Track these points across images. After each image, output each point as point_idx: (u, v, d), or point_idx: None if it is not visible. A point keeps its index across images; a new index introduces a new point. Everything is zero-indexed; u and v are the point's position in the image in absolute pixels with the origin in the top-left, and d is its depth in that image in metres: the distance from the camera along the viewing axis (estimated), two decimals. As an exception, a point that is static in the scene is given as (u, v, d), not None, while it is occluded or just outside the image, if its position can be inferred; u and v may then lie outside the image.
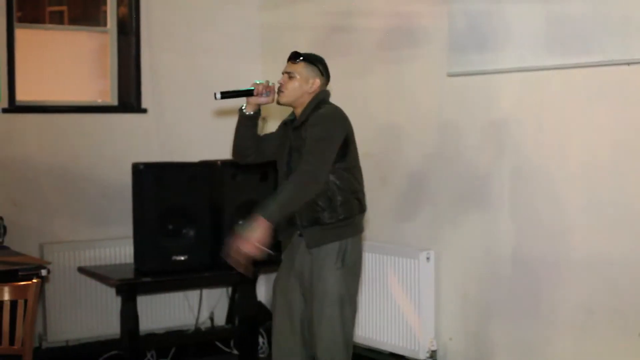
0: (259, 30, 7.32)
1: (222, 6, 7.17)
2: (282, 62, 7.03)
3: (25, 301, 4.26)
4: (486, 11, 5.42)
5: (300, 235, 4.46)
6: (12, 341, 4.28)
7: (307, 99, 4.46)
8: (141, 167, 6.02)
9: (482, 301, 5.55)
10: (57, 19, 7.29)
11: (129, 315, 5.95)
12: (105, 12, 6.97)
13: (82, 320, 6.45)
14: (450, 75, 5.63)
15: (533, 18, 5.13)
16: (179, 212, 6.06)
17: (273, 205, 4.20)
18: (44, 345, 6.35)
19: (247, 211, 6.14)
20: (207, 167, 6.23)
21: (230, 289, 6.94)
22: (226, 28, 7.18)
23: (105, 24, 6.95)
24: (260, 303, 6.96)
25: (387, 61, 6.13)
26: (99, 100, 6.95)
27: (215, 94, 4.47)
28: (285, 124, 4.55)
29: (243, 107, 4.55)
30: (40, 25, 7.01)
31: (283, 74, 4.50)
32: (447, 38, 5.64)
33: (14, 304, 4.25)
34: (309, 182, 4.26)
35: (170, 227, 6.05)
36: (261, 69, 7.27)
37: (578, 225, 4.96)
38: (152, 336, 6.58)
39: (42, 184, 6.46)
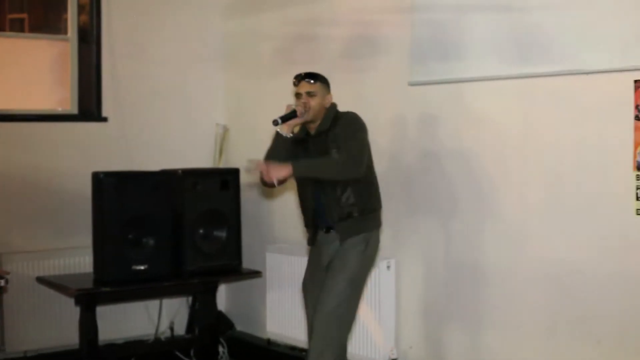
0: (222, 39, 7.31)
1: (185, 14, 7.16)
2: (245, 70, 7.09)
3: (-18, 310, 4.21)
4: (448, 21, 5.44)
5: (327, 231, 4.93)
6: (-32, 351, 4.24)
7: (323, 113, 4.95)
8: (101, 176, 5.97)
9: (442, 309, 5.55)
10: (18, 27, 7.24)
11: (88, 325, 5.90)
12: (66, 20, 6.93)
13: (40, 331, 6.39)
14: (412, 84, 5.65)
15: (494, 28, 5.16)
16: (140, 222, 6.01)
17: (306, 163, 4.79)
18: (2, 355, 6.28)
19: (207, 220, 6.16)
20: (167, 176, 6.19)
21: (190, 299, 6.92)
22: (189, 36, 7.17)
23: (66, 32, 6.91)
24: (220, 312, 6.95)
25: (350, 70, 6.14)
26: (59, 109, 6.90)
27: (275, 120, 4.81)
28: (297, 141, 4.97)
29: (281, 131, 4.91)
30: (1, 32, 6.94)
31: (300, 94, 4.92)
32: (409, 47, 5.66)
33: (-30, 313, 4.20)
34: (349, 165, 4.76)
35: (131, 236, 6.00)
36: (223, 77, 7.27)
37: (538, 234, 4.98)
38: (111, 346, 6.51)
39: (1, 194, 6.40)
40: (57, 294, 6.33)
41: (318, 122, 4.94)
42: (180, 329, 6.95)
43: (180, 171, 6.21)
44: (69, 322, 6.37)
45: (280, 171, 4.69)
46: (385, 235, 5.76)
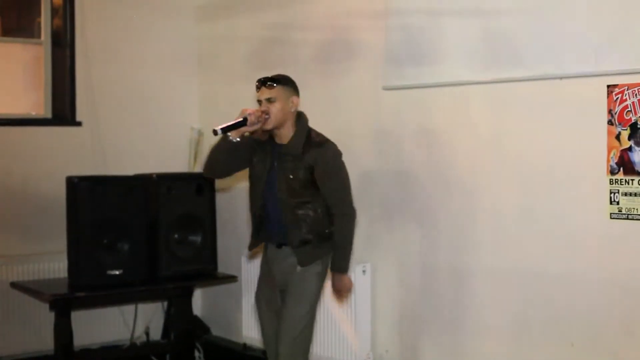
0: (196, 42, 7.31)
1: (158, 18, 7.14)
2: (220, 74, 7.08)
3: (-45, 317, 4.19)
4: (422, 26, 5.45)
5: (278, 247, 4.86)
6: (-59, 358, 4.21)
7: (289, 119, 4.78)
8: (75, 180, 5.95)
9: (417, 313, 5.57)
10: (-9, 30, 7.21)
11: (63, 331, 5.88)
12: (39, 23, 6.90)
13: (15, 336, 6.36)
14: (386, 88, 5.66)
15: (468, 32, 5.18)
16: (114, 226, 6.00)
17: (346, 261, 4.86)
18: (-24, 361, 6.26)
19: (182, 224, 6.15)
20: (142, 181, 6.18)
21: (165, 304, 6.90)
22: (162, 40, 7.16)
23: (39, 36, 6.88)
24: (196, 317, 6.94)
25: (323, 74, 6.14)
26: (33, 113, 6.87)
27: (215, 130, 4.60)
28: (263, 143, 4.83)
29: (229, 136, 4.69)
30: (-27, 36, 6.93)
31: (260, 100, 4.73)
32: (383, 52, 5.67)
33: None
34: (352, 223, 4.86)
35: (105, 241, 5.98)
36: (197, 80, 7.26)
37: (512, 237, 5.01)
38: (86, 352, 6.50)
39: (-26, 198, 6.38)
40: (32, 299, 6.29)
41: (284, 130, 4.76)
42: (156, 334, 6.94)
43: (155, 175, 6.21)
44: (43, 327, 6.34)
45: (347, 284, 4.94)
46: (360, 240, 5.78)
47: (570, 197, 4.74)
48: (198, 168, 7.12)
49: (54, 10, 6.81)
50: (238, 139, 4.69)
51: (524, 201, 4.95)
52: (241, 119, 4.64)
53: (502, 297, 5.07)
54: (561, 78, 4.72)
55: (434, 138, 5.41)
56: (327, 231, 4.79)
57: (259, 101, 4.75)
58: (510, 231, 5.02)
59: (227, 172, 5.03)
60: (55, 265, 6.49)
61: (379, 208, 5.77)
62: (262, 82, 4.75)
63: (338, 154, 4.82)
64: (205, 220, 6.32)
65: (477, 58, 5.14)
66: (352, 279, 5.64)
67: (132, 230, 6.07)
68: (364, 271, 5.73)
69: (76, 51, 6.79)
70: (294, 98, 4.80)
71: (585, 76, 4.61)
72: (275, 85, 4.72)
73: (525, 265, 4.94)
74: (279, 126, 4.74)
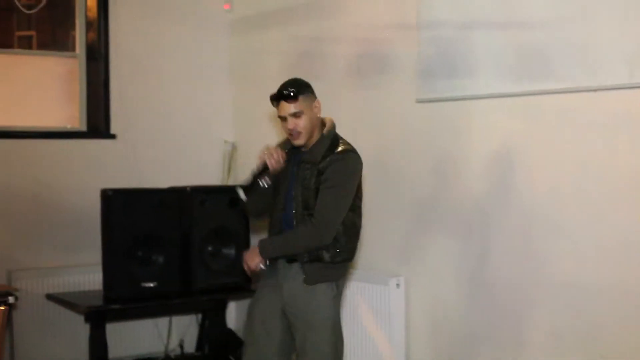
0: (229, 56, 7.33)
1: (192, 32, 7.18)
2: (253, 87, 7.10)
3: (-7, 329, 4.22)
4: (454, 38, 5.45)
5: (290, 261, 4.43)
6: (-21, 370, 4.24)
7: (316, 124, 4.40)
8: (110, 193, 5.99)
9: (452, 327, 5.54)
10: (26, 44, 7.28)
11: (98, 343, 5.92)
12: (74, 37, 6.96)
13: (50, 348, 6.40)
14: (419, 101, 5.66)
15: (500, 44, 5.17)
16: (148, 239, 6.02)
17: (273, 244, 4.41)
18: (12, 373, 6.30)
19: (216, 237, 6.16)
20: (176, 193, 6.21)
21: (200, 316, 6.91)
22: (196, 53, 7.19)
23: (74, 49, 6.94)
24: (230, 330, 6.94)
25: (357, 87, 6.15)
26: (68, 126, 6.92)
27: (239, 194, 4.41)
28: (287, 153, 4.46)
29: (260, 183, 4.39)
30: (9, 50, 7.00)
31: (285, 117, 4.35)
32: (416, 64, 5.66)
33: (-20, 332, 4.20)
34: (314, 240, 4.33)
35: (140, 253, 6.01)
36: (231, 94, 7.28)
37: (546, 251, 4.97)
38: (121, 363, 6.53)
39: (10, 210, 6.43)
40: (67, 311, 6.35)
41: (313, 140, 4.41)
42: (190, 347, 6.95)
43: (188, 188, 6.23)
44: (78, 339, 6.39)
45: (254, 258, 4.43)
46: (394, 253, 5.79)
47: (602, 210, 4.70)
48: (231, 181, 7.14)
49: (89, 24, 6.87)
50: (269, 183, 4.39)
51: (557, 216, 4.91)
52: (262, 167, 4.39)
53: (536, 312, 5.03)
54: (595, 90, 4.68)
55: (468, 150, 5.40)
56: (343, 255, 4.40)
57: (282, 117, 4.36)
58: (544, 246, 4.98)
59: (264, 211, 4.65)
60: (90, 278, 6.53)
61: (412, 221, 5.76)
62: (281, 96, 4.34)
63: (355, 169, 4.43)
64: (238, 233, 6.32)
65: (509, 70, 5.12)
66: (387, 292, 5.67)
67: (166, 243, 6.09)
68: (397, 285, 5.71)
69: (110, 64, 6.84)
70: (316, 102, 4.41)
71: (619, 88, 4.56)
72: (297, 98, 4.32)
73: (559, 280, 4.90)
74: (310, 137, 4.40)
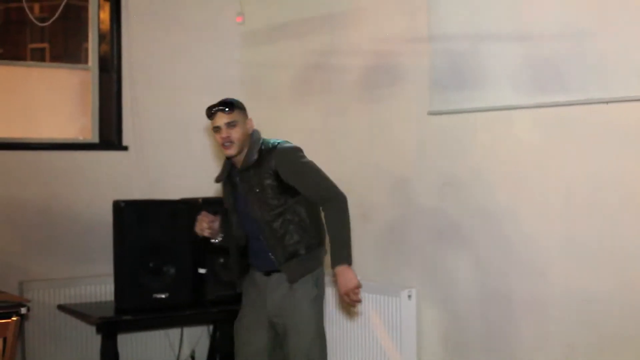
0: (240, 68, 7.35)
1: (203, 44, 7.20)
2: (264, 99, 7.11)
3: (5, 339, 4.22)
4: (466, 50, 5.46)
5: (267, 274, 4.57)
6: (-9, 380, 4.25)
7: (247, 140, 4.52)
8: (122, 204, 6.01)
9: (463, 339, 5.54)
10: (39, 56, 7.31)
11: (110, 354, 5.91)
12: (86, 49, 6.99)
13: (61, 359, 6.41)
14: (431, 113, 5.66)
15: (512, 56, 5.18)
16: (160, 250, 6.04)
17: (347, 250, 4.43)
18: (23, 384, 6.31)
19: (227, 249, 6.15)
20: (188, 205, 6.21)
21: (211, 327, 6.91)
22: (207, 65, 7.21)
23: (86, 62, 6.96)
24: (241, 341, 6.94)
25: (368, 99, 6.16)
26: (80, 138, 6.94)
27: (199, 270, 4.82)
28: (225, 182, 4.68)
29: (214, 241, 4.71)
30: (22, 62, 7.02)
31: (220, 127, 4.46)
32: (427, 76, 5.67)
33: (-7, 342, 4.21)
34: (345, 206, 4.47)
35: (151, 264, 6.03)
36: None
37: (557, 263, 4.97)
38: (132, 374, 6.54)
39: (22, 222, 6.44)
40: (78, 322, 6.35)
41: (243, 155, 4.51)
42: (202, 358, 6.94)
43: (200, 200, 6.23)
44: (90, 351, 6.41)
45: (352, 276, 4.40)
46: (406, 265, 5.79)
47: (616, 221, 4.70)
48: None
49: (101, 36, 6.90)
50: (220, 238, 4.71)
51: (568, 228, 4.91)
52: (203, 238, 4.71)
53: (548, 324, 5.03)
54: (607, 102, 4.68)
55: (480, 162, 5.40)
56: (314, 241, 4.52)
57: (216, 128, 4.47)
58: (555, 258, 4.98)
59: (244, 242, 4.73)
60: (101, 289, 6.55)
61: (424, 233, 5.76)
62: (218, 108, 4.46)
63: (296, 148, 4.54)
64: (249, 245, 6.33)
65: (521, 82, 5.13)
66: (398, 304, 5.66)
67: (178, 254, 6.10)
68: (409, 296, 5.71)
69: (123, 76, 6.86)
70: (249, 121, 4.54)
71: (632, 100, 4.57)
72: (230, 109, 4.45)
73: (570, 291, 4.90)
74: (240, 151, 4.50)
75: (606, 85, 4.68)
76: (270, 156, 4.45)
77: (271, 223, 4.47)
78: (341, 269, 4.41)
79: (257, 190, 4.46)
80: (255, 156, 4.46)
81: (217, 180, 4.70)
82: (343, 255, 4.42)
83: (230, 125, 4.44)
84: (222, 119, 4.45)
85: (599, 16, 4.72)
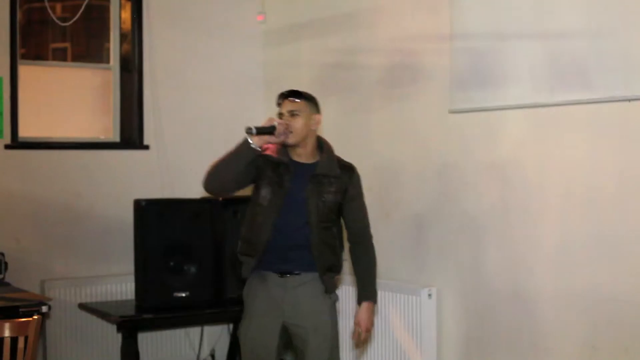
0: (262, 67, 7.35)
1: (225, 43, 7.20)
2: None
3: (26, 338, 4.23)
4: (488, 48, 5.44)
5: (282, 275, 4.48)
6: (12, 378, 4.26)
7: (312, 137, 4.48)
8: (143, 203, 6.02)
9: (484, 338, 5.52)
10: (61, 56, 7.33)
11: (130, 352, 5.91)
12: (108, 49, 7.02)
13: (82, 357, 6.44)
14: (452, 112, 5.64)
15: (534, 55, 5.15)
16: (181, 249, 6.05)
17: (374, 287, 4.59)
18: (45, 382, 6.33)
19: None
20: (208, 204, 6.22)
21: (231, 326, 6.90)
22: (229, 65, 7.22)
23: (108, 61, 6.99)
24: (261, 340, 6.93)
25: (389, 98, 6.15)
26: (102, 137, 6.97)
27: (249, 128, 4.31)
28: (277, 163, 4.43)
29: (251, 142, 4.35)
30: (44, 62, 7.04)
31: (282, 113, 4.43)
32: (448, 75, 5.65)
33: (14, 340, 4.21)
34: (373, 243, 4.65)
35: (172, 263, 6.04)
36: (263, 105, 7.29)
37: (582, 262, 4.94)
38: (153, 373, 6.55)
39: (43, 220, 6.47)
40: (99, 320, 6.37)
41: (305, 149, 4.45)
42: (222, 356, 6.95)
43: (221, 199, 6.24)
44: (110, 349, 6.43)
45: (372, 319, 4.57)
46: (427, 263, 5.76)
47: (638, 221, 4.67)
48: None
49: (123, 36, 6.92)
50: (259, 147, 4.34)
51: (593, 226, 4.88)
52: (269, 126, 4.34)
53: (571, 323, 5.00)
54: (629, 100, 4.65)
55: (501, 161, 5.37)
56: (340, 263, 4.60)
57: (280, 114, 4.44)
58: (579, 257, 4.95)
59: (237, 187, 4.54)
60: (122, 287, 6.56)
61: (445, 232, 5.74)
62: (285, 95, 4.46)
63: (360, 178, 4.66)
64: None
65: (543, 80, 5.10)
66: (418, 303, 5.65)
67: (199, 253, 6.11)
68: (429, 295, 5.69)
69: (144, 76, 6.88)
70: (317, 116, 4.48)
71: (656, 98, 4.55)
72: (298, 99, 4.43)
73: (594, 290, 4.86)
74: (300, 143, 4.43)
75: (629, 82, 4.64)
76: (347, 174, 4.52)
77: (323, 231, 4.46)
78: (369, 305, 4.57)
79: (324, 197, 4.44)
80: (337, 167, 4.49)
81: (269, 157, 4.44)
82: (372, 291, 4.58)
83: (293, 113, 4.40)
84: (286, 106, 4.44)
85: (622, 14, 4.69)
